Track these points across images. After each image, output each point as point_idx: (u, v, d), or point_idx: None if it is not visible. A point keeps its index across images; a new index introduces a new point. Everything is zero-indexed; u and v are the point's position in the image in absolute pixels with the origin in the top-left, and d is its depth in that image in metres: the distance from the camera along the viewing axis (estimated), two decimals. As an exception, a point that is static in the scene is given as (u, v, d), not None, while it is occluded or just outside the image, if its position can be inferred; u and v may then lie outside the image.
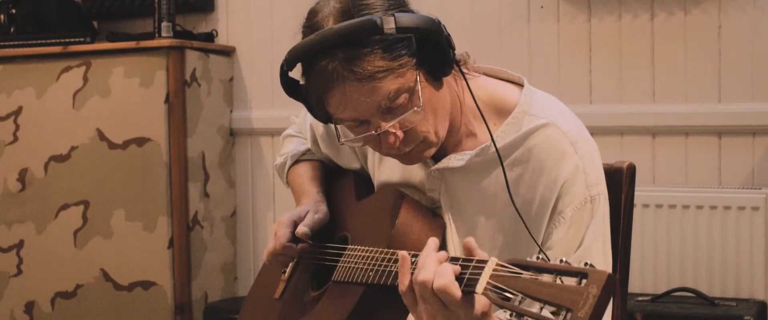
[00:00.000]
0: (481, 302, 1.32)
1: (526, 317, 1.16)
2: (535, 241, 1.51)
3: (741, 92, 3.02)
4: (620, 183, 1.70)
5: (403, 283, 1.38)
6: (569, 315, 1.12)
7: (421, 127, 1.51)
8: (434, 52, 1.49)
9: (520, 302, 1.18)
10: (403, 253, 1.40)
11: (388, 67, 1.45)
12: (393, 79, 1.46)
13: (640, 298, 2.88)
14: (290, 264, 1.82)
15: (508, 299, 1.20)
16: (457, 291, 1.30)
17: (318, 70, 1.47)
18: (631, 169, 1.72)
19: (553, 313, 1.15)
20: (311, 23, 1.51)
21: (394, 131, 1.50)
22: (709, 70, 3.06)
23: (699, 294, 2.84)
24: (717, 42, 3.04)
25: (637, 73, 3.13)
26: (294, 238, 1.72)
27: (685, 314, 2.74)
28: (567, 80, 3.21)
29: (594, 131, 1.63)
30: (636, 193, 1.76)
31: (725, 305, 2.79)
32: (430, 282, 1.32)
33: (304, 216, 1.74)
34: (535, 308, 1.16)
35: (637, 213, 2.90)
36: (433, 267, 1.33)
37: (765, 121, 2.99)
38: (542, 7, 3.24)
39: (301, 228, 1.70)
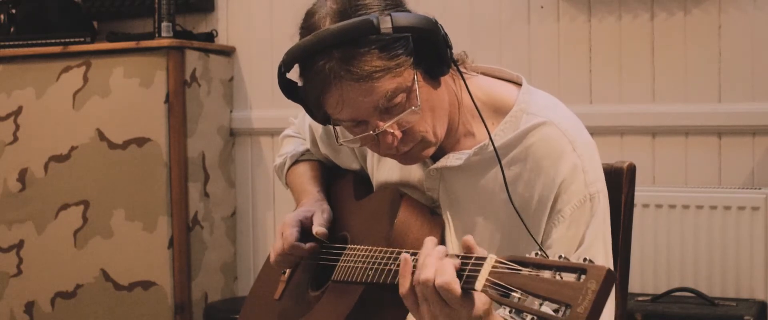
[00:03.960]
0: (481, 299, 1.33)
1: (525, 313, 1.16)
2: (535, 240, 1.51)
3: (741, 92, 3.02)
4: (620, 183, 1.70)
5: (404, 286, 1.38)
6: (568, 311, 1.12)
7: (419, 126, 1.51)
8: (431, 51, 1.49)
9: (519, 299, 1.18)
10: (405, 256, 1.40)
11: (385, 66, 1.45)
12: (390, 78, 1.46)
13: (640, 298, 2.87)
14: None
15: (507, 295, 1.20)
16: (457, 287, 1.30)
17: (315, 70, 1.47)
18: (631, 169, 1.72)
19: (553, 310, 1.15)
20: (308, 24, 1.52)
21: (392, 131, 1.50)
22: (709, 70, 3.06)
23: (699, 294, 2.84)
24: (717, 42, 3.04)
25: (637, 73, 3.13)
26: (301, 238, 1.71)
27: (685, 314, 2.74)
28: (567, 80, 3.21)
29: (594, 131, 1.63)
30: (636, 193, 1.76)
31: (725, 305, 2.78)
32: (431, 280, 1.32)
33: (311, 217, 1.74)
34: (534, 304, 1.16)
35: (637, 213, 2.89)
36: (434, 265, 1.33)
37: (765, 121, 2.99)
38: (542, 7, 3.24)
39: (319, 229, 1.70)
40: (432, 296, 1.33)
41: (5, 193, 3.63)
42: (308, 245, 1.71)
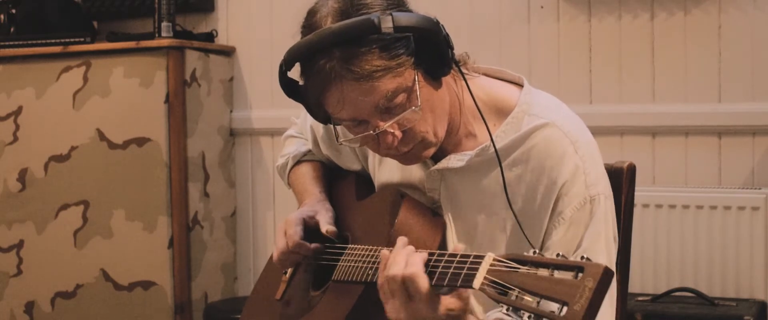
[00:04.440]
0: (445, 303, 1.36)
1: (522, 311, 1.16)
2: (530, 243, 1.52)
3: (741, 92, 3.02)
4: (620, 183, 1.70)
5: (380, 278, 1.42)
6: (565, 308, 1.12)
7: (419, 126, 1.52)
8: (432, 51, 1.49)
9: (516, 296, 1.19)
10: (384, 251, 1.43)
11: (385, 66, 1.45)
12: (391, 78, 1.46)
13: (640, 298, 2.87)
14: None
15: (505, 293, 1.20)
16: (424, 281, 1.34)
17: (316, 69, 1.47)
18: (631, 169, 1.72)
19: (550, 308, 1.15)
20: (309, 23, 1.52)
21: (392, 131, 1.50)
22: (709, 70, 3.06)
23: (699, 294, 2.84)
24: (717, 42, 3.04)
25: (637, 73, 3.13)
26: (305, 237, 1.71)
27: (685, 314, 2.74)
28: (567, 80, 3.21)
29: (594, 131, 1.64)
30: (636, 193, 1.77)
31: (725, 305, 2.78)
32: (399, 275, 1.36)
33: (314, 216, 1.74)
34: (531, 302, 1.17)
35: (637, 213, 2.90)
36: (403, 261, 1.38)
37: (765, 121, 2.99)
38: (542, 7, 3.24)
39: (330, 228, 1.70)
40: (398, 289, 1.36)
41: (5, 193, 3.63)
42: (313, 245, 1.71)
